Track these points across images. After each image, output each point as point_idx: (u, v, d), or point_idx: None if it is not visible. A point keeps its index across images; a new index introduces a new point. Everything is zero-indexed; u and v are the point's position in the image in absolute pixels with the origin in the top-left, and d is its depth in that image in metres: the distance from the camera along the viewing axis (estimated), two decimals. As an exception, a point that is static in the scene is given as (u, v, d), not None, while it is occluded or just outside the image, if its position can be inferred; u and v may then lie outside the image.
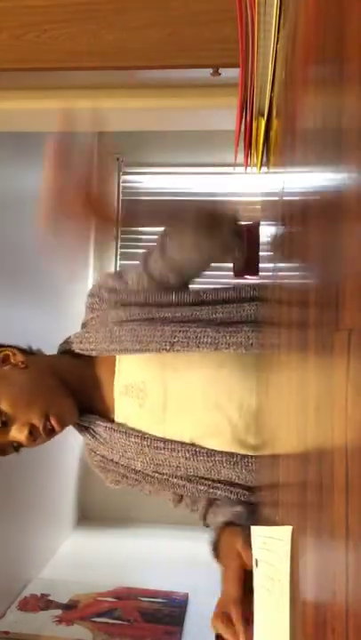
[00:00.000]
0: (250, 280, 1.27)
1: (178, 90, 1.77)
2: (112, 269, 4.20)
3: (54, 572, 3.25)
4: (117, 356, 1.15)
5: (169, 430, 1.12)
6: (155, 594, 3.02)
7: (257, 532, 0.68)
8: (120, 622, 2.79)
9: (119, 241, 4.19)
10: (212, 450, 1.10)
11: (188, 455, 1.10)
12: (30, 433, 1.10)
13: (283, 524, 0.55)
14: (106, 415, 1.18)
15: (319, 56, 0.42)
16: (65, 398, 1.14)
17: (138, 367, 1.13)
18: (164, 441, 1.12)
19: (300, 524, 0.47)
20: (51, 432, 1.11)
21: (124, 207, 1.02)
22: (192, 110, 1.84)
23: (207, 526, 1.18)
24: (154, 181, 4.21)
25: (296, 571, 0.49)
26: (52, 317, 3.46)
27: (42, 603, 2.91)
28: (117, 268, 1.06)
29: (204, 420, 1.11)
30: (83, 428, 1.18)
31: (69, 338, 1.22)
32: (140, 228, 4.20)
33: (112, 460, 1.18)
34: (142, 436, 1.12)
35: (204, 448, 1.10)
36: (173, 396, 1.12)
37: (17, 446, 1.13)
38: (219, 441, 1.11)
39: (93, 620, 2.80)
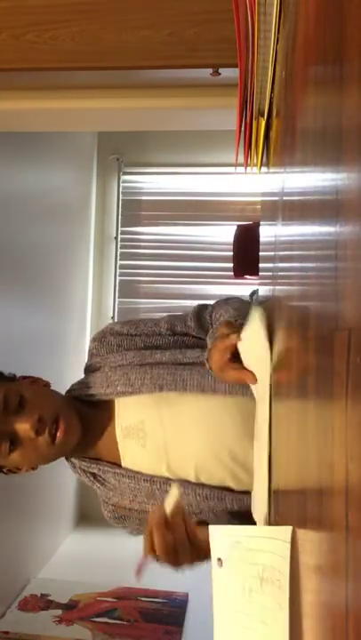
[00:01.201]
0: (251, 279, 1.27)
1: (178, 90, 1.77)
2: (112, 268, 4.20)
3: (54, 572, 3.25)
4: (116, 400, 1.18)
5: (174, 467, 1.14)
6: (155, 594, 3.02)
7: (256, 532, 0.68)
8: (120, 622, 2.79)
9: (119, 241, 4.20)
10: (223, 490, 1.12)
11: (199, 498, 1.12)
12: (36, 426, 1.09)
13: (283, 524, 0.55)
14: (113, 461, 1.19)
15: (319, 56, 0.42)
16: (76, 415, 1.16)
17: (135, 408, 1.16)
18: (175, 482, 1.12)
19: (300, 524, 0.47)
20: (53, 437, 1.11)
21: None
22: (192, 110, 1.84)
23: None
24: (154, 181, 4.21)
25: (296, 571, 0.49)
26: (51, 317, 3.46)
27: (42, 603, 2.91)
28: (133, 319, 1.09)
29: (204, 453, 1.12)
30: (91, 476, 1.20)
31: (72, 385, 1.25)
32: (141, 229, 4.21)
33: (125, 507, 1.20)
34: (151, 479, 1.14)
35: (214, 489, 1.12)
36: (172, 433, 1.13)
37: (7, 460, 1.13)
38: (223, 473, 1.13)
39: (93, 619, 2.80)
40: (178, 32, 1.57)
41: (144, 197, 4.21)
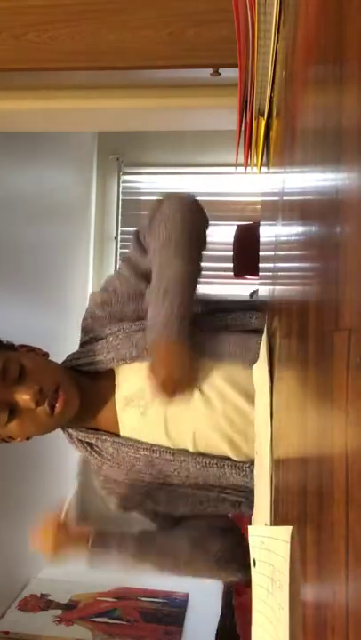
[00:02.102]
0: (251, 279, 1.26)
1: (178, 90, 1.77)
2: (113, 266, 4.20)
3: (54, 571, 3.25)
4: (116, 370, 1.16)
5: (173, 436, 1.13)
6: (155, 594, 3.02)
7: (256, 531, 0.68)
8: (120, 622, 2.79)
9: (119, 241, 4.20)
10: (223, 459, 1.11)
11: (198, 466, 1.12)
12: (36, 397, 1.07)
13: (282, 524, 0.55)
14: (111, 431, 1.18)
15: (319, 56, 0.42)
16: (75, 387, 1.14)
17: (137, 376, 1.13)
18: (173, 452, 1.12)
19: (300, 524, 0.47)
20: (52, 408, 1.09)
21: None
22: (192, 110, 1.84)
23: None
24: (154, 181, 4.21)
25: (296, 571, 0.49)
26: (51, 317, 3.46)
27: (42, 603, 2.91)
28: (103, 283, 1.07)
29: (205, 423, 1.11)
30: (88, 446, 1.19)
31: (68, 356, 1.23)
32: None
33: (116, 480, 1.20)
34: (151, 448, 1.13)
35: (214, 458, 1.11)
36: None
37: (7, 420, 1.10)
38: (222, 445, 1.11)
39: (93, 619, 2.80)
40: (178, 32, 1.57)
41: (144, 197, 4.21)
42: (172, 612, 2.88)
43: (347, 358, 0.29)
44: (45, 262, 3.30)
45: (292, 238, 0.59)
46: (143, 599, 2.98)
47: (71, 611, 2.86)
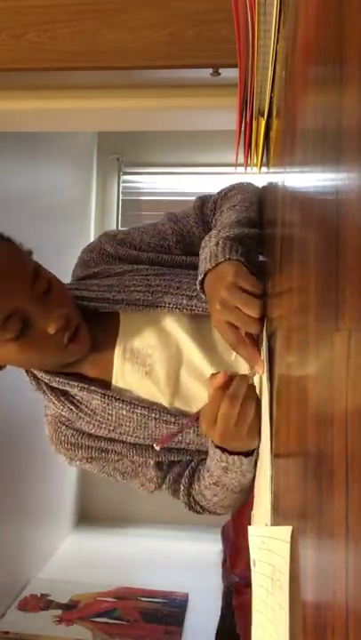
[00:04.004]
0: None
1: (178, 90, 1.77)
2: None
3: (54, 572, 3.25)
4: (121, 315, 1.00)
5: (178, 402, 1.00)
6: (155, 594, 3.02)
7: (255, 531, 0.68)
8: (120, 622, 2.79)
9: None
10: None
11: (200, 435, 0.96)
12: (61, 323, 0.91)
13: (282, 524, 0.55)
14: (100, 379, 1.02)
15: (319, 56, 0.42)
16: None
17: (146, 329, 0.99)
18: (175, 415, 0.98)
19: (301, 524, 0.47)
20: (69, 342, 0.93)
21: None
22: (192, 110, 1.84)
23: (194, 508, 1.05)
24: (154, 181, 4.21)
25: (296, 571, 0.49)
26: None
27: (42, 603, 2.91)
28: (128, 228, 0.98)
29: None
30: (61, 395, 1.01)
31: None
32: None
33: (90, 435, 1.02)
34: (150, 407, 0.98)
35: None
36: (188, 366, 0.99)
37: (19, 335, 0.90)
38: None
39: (93, 619, 2.80)
40: (178, 32, 1.57)
41: (144, 197, 4.21)
42: (172, 612, 2.88)
43: (347, 358, 0.29)
44: (45, 262, 3.29)
45: (292, 238, 0.58)
46: (143, 599, 2.98)
47: (71, 611, 2.86)
